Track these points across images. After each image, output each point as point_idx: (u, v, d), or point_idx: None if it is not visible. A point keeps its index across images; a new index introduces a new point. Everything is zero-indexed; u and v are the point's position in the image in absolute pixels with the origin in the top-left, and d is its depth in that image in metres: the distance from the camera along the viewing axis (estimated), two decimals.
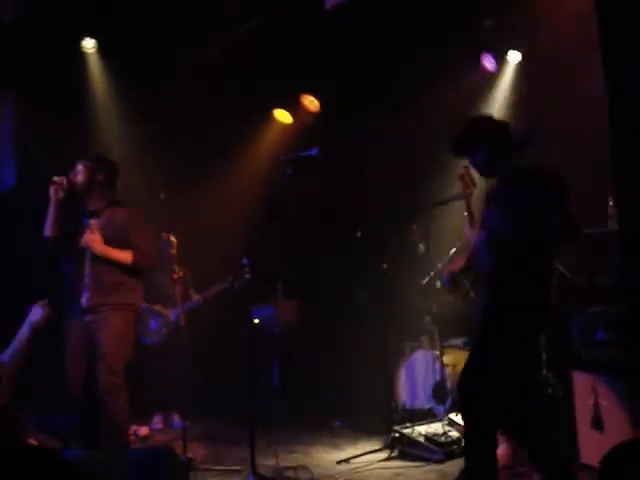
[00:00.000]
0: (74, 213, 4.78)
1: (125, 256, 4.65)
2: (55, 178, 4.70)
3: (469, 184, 4.03)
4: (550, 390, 4.91)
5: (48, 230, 4.74)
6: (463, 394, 3.71)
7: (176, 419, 6.43)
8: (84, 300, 4.57)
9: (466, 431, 3.75)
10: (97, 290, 4.58)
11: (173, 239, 6.55)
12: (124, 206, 4.83)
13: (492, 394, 3.56)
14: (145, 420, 6.28)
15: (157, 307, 6.39)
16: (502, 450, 4.34)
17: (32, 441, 4.22)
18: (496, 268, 3.65)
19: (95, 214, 4.74)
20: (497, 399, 3.57)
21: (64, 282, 4.76)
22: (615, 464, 3.09)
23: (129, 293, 4.69)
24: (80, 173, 4.74)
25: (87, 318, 4.59)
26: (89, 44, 6.39)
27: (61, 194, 4.70)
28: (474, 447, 3.60)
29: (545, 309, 3.61)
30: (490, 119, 3.90)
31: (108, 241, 4.65)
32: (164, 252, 5.86)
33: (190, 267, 6.41)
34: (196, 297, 6.51)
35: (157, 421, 6.48)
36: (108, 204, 4.78)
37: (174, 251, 6.43)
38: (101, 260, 4.62)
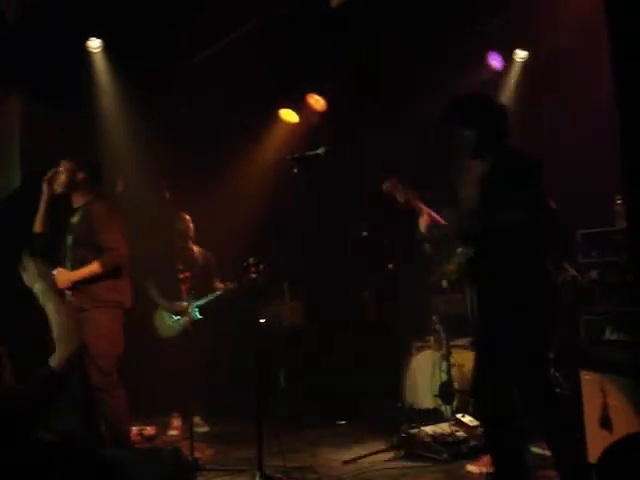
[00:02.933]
0: (61, 211, 4.81)
1: (92, 269, 4.57)
2: (49, 174, 4.75)
3: (403, 192, 4.11)
4: (558, 389, 4.88)
5: (37, 226, 4.78)
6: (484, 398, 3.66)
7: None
8: (68, 299, 4.56)
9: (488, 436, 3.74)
10: (79, 289, 4.57)
11: (187, 217, 6.52)
12: (102, 203, 4.79)
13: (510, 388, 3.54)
14: (151, 419, 6.22)
15: (176, 305, 6.29)
16: None
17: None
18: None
19: (75, 213, 4.76)
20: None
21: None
22: (611, 461, 3.07)
23: (112, 290, 4.64)
24: (61, 173, 4.77)
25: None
26: (95, 44, 6.37)
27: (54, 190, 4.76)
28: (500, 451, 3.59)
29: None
30: (487, 100, 3.75)
31: (80, 241, 4.65)
32: (180, 231, 5.94)
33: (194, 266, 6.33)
34: (221, 286, 6.37)
35: (176, 425, 6.29)
36: (88, 202, 4.76)
37: (189, 229, 6.46)
38: (80, 260, 4.62)
